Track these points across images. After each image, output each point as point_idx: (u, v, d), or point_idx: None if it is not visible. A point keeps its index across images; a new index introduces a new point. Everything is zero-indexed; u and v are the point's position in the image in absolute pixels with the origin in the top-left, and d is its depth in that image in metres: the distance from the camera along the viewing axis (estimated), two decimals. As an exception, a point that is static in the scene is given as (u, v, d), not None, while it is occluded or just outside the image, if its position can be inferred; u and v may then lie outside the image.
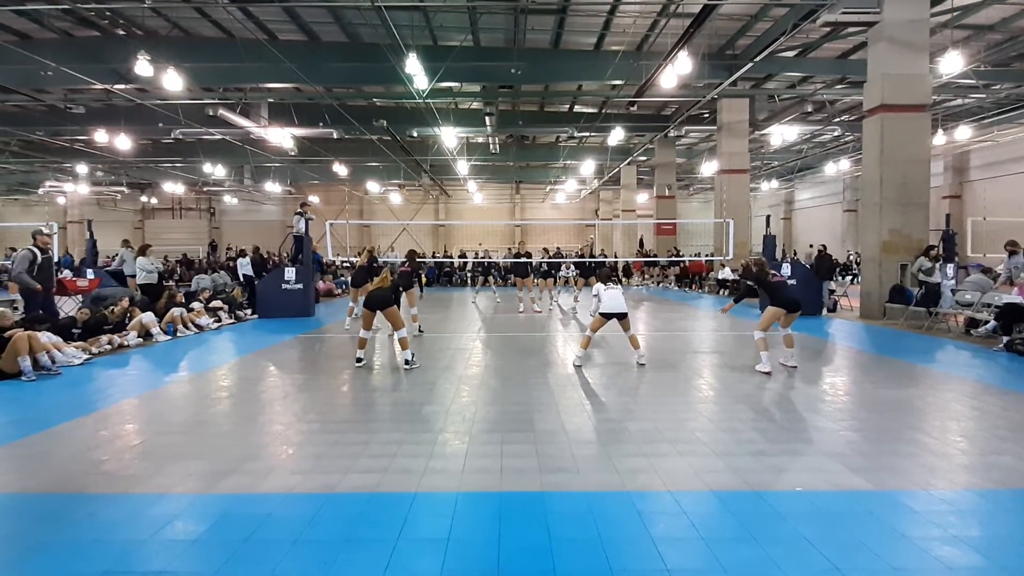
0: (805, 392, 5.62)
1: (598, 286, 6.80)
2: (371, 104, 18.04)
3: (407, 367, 6.60)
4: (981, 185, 21.95)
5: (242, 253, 14.76)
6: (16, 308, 7.49)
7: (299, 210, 12.65)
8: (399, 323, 6.73)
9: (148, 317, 8.71)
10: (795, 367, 6.52)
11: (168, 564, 2.54)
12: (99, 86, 12.93)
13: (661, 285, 21.80)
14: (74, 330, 7.59)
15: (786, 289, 6.65)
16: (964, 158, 22.61)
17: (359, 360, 6.76)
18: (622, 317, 6.61)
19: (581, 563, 2.54)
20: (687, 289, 19.59)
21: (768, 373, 6.25)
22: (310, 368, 6.99)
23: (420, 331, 9.32)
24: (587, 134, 20.63)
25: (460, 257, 24.94)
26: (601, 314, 6.60)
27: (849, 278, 19.50)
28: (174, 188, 28.17)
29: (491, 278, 20.30)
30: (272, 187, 27.18)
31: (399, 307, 6.94)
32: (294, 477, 3.48)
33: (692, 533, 2.78)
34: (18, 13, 11.25)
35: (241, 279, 13.44)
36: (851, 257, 25.00)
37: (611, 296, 6.60)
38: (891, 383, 5.90)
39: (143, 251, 10.83)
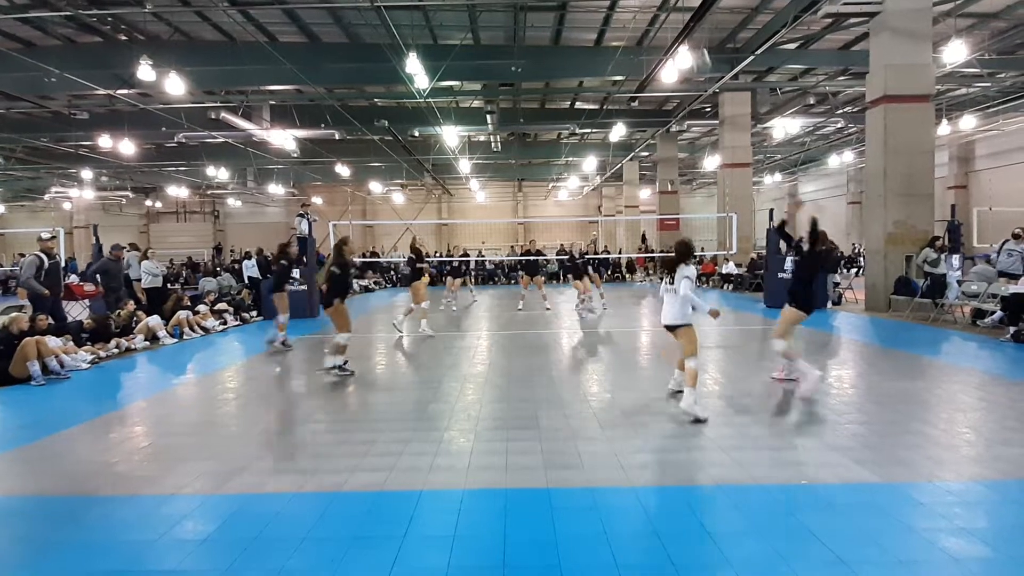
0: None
1: (663, 286, 4.80)
2: (372, 104, 18.04)
3: (330, 370, 5.99)
4: (987, 175, 21.77)
5: (247, 255, 14.82)
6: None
7: (301, 211, 12.71)
8: (339, 326, 6.08)
9: (155, 320, 8.78)
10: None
11: (179, 563, 2.58)
12: (102, 91, 12.97)
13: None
14: (83, 334, 7.66)
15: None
16: (969, 148, 22.42)
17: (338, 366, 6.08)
18: (673, 330, 4.69)
19: (587, 559, 2.55)
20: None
21: (806, 384, 4.91)
22: (316, 368, 7.02)
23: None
24: (589, 130, 20.57)
25: (463, 256, 24.96)
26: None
27: (854, 270, 19.44)
28: (178, 192, 28.28)
29: (496, 278, 20.24)
30: (275, 189, 27.26)
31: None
32: (302, 476, 3.51)
33: (698, 528, 2.79)
34: (22, 21, 11.31)
35: (247, 281, 13.50)
36: (855, 248, 24.87)
37: (668, 303, 4.67)
38: (897, 375, 5.88)
39: (146, 255, 10.91)
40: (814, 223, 5.27)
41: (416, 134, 19.56)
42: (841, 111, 18.35)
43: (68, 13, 10.45)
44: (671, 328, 4.72)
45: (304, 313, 11.62)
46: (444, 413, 4.81)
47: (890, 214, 10.38)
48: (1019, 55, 14.07)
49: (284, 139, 16.20)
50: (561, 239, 29.76)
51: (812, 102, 17.50)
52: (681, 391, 4.73)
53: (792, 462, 3.61)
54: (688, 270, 4.63)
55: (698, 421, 4.36)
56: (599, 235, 30.41)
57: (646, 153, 24.59)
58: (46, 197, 28.83)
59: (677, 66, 10.03)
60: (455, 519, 2.92)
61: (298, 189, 31.05)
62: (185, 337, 9.10)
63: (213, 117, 14.92)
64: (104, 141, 15.90)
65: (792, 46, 13.59)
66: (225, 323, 10.41)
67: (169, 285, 12.23)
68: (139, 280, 10.70)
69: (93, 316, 8.09)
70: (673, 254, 4.77)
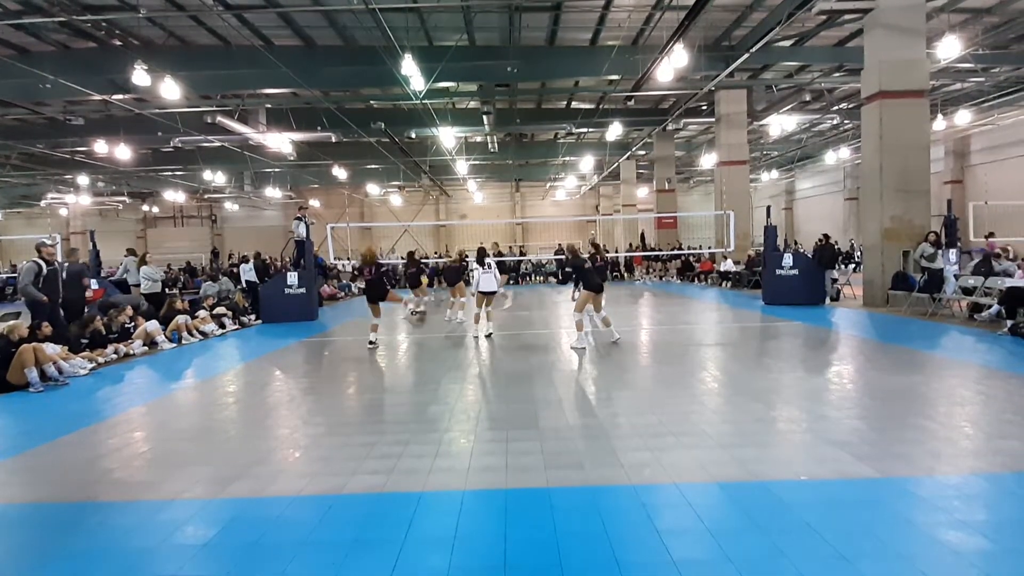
0: (810, 381, 5.62)
1: (475, 266, 8.75)
2: (368, 107, 18.05)
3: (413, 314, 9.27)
4: (983, 169, 21.83)
5: (244, 259, 14.80)
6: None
7: (298, 215, 12.71)
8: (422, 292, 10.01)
9: (153, 325, 8.76)
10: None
11: (179, 568, 2.57)
12: (98, 97, 12.97)
13: (664, 279, 21.77)
14: (82, 340, 7.65)
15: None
16: (965, 143, 22.48)
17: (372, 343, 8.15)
18: (491, 295, 8.50)
19: (587, 557, 2.55)
20: (690, 282, 19.57)
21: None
22: (315, 372, 7.02)
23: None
24: (585, 130, 20.60)
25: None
26: (480, 292, 8.43)
27: (852, 266, 19.47)
28: (175, 196, 28.28)
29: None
30: (272, 192, 27.25)
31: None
32: (301, 480, 3.51)
33: (698, 525, 2.79)
34: (16, 27, 11.29)
35: (243, 285, 13.49)
36: (853, 244, 24.91)
37: (485, 279, 8.42)
38: (895, 370, 5.89)
39: (144, 260, 10.90)
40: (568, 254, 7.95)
41: (413, 136, 19.57)
42: (837, 107, 18.38)
43: (62, 19, 10.43)
44: (491, 293, 8.49)
45: (304, 316, 11.62)
46: (443, 414, 4.81)
47: (887, 210, 10.40)
48: (1013, 50, 14.11)
49: (280, 142, 16.20)
50: (559, 239, 29.83)
51: (808, 99, 17.53)
52: (489, 333, 8.59)
53: (791, 458, 3.61)
54: (491, 259, 8.74)
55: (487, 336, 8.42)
56: (597, 234, 30.42)
57: (643, 152, 24.62)
58: (42, 203, 28.79)
59: (672, 65, 10.03)
60: (455, 520, 2.92)
61: (295, 192, 31.04)
62: (183, 342, 9.09)
63: (209, 121, 14.92)
64: (100, 146, 15.89)
65: (787, 43, 13.62)
66: (224, 327, 10.40)
67: (167, 290, 12.20)
68: (138, 285, 10.68)
69: (87, 317, 8.06)
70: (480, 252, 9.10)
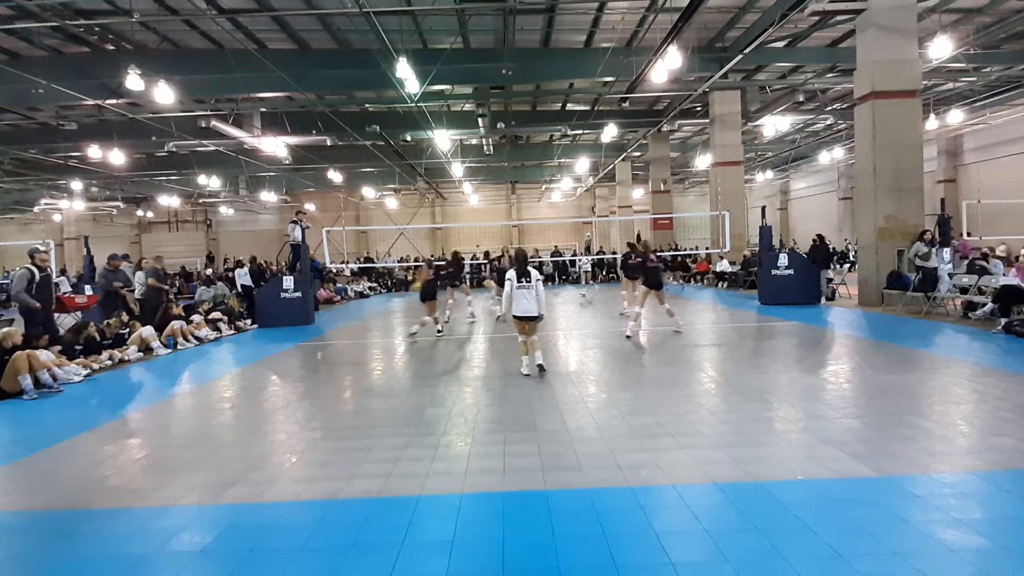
0: (805, 381, 5.64)
1: (510, 273, 5.98)
2: (363, 110, 18.04)
3: (439, 334, 9.21)
4: (975, 168, 21.95)
5: (240, 264, 14.75)
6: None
7: (294, 219, 12.68)
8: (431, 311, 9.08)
9: (148, 331, 8.72)
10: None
11: (176, 575, 2.56)
12: (91, 102, 12.91)
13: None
14: (76, 346, 7.61)
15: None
16: (957, 142, 22.62)
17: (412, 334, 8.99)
18: (532, 321, 6.01)
19: (585, 559, 2.55)
20: (686, 283, 19.61)
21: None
22: (312, 376, 7.00)
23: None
24: (580, 132, 20.63)
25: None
26: (515, 317, 6.01)
27: (847, 266, 19.56)
28: (170, 201, 28.12)
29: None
30: (268, 196, 27.16)
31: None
32: (298, 485, 3.50)
33: (695, 525, 2.80)
34: (7, 32, 11.24)
35: (239, 289, 13.44)
36: (848, 244, 25.01)
37: (523, 299, 5.93)
38: (891, 369, 5.92)
39: (139, 265, 10.86)
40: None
41: (408, 139, 19.55)
42: (830, 108, 18.48)
43: (54, 24, 10.39)
44: (535, 318, 6.02)
45: (300, 321, 11.59)
46: (441, 417, 4.80)
47: (880, 209, 10.45)
48: (1004, 49, 14.22)
49: (275, 146, 16.15)
50: (556, 241, 29.88)
51: (801, 99, 17.61)
52: (543, 368, 6.09)
53: (787, 458, 3.62)
54: (537, 273, 6.07)
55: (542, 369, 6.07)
56: (594, 236, 30.46)
57: (638, 153, 24.66)
58: (36, 209, 28.62)
59: (666, 66, 10.07)
60: (453, 524, 2.91)
61: (291, 196, 30.94)
62: (179, 347, 9.05)
63: (203, 125, 14.87)
64: (93, 152, 15.80)
65: (780, 44, 13.68)
66: (219, 332, 10.36)
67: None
68: (133, 291, 10.62)
69: (80, 324, 8.04)
70: (521, 262, 6.09)
